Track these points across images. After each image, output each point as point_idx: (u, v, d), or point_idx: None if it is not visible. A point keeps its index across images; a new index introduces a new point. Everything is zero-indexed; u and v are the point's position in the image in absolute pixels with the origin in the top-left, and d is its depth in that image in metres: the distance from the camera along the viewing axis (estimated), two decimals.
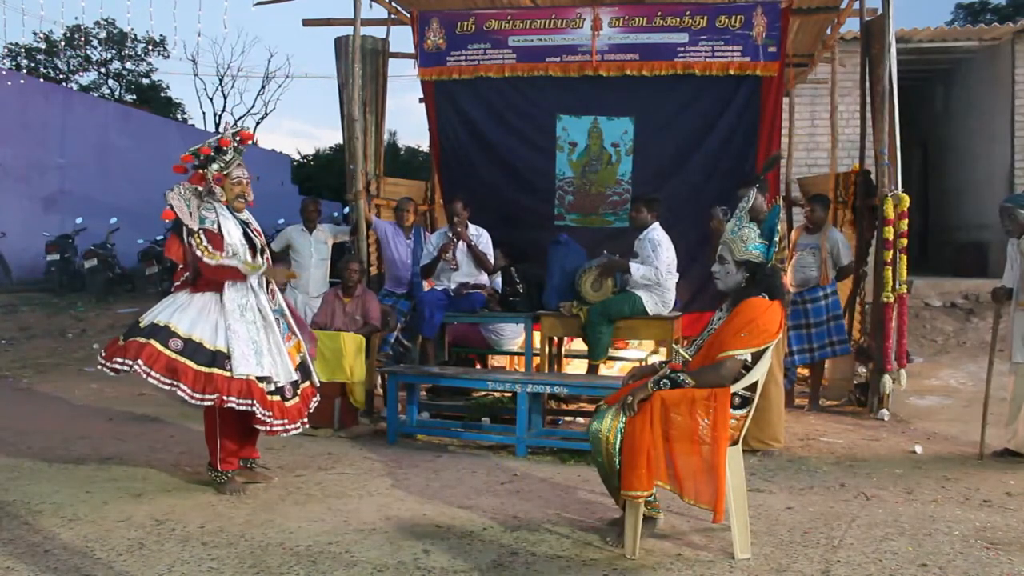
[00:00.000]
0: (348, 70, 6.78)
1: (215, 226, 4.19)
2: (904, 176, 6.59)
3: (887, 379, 6.15)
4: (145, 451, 5.09)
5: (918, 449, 5.27)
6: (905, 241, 6.20)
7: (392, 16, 7.68)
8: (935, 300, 9.71)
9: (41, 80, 19.57)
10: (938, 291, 9.82)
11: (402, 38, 41.55)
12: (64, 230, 13.41)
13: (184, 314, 4.09)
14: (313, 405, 4.42)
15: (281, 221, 14.67)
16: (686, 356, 3.60)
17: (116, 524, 3.70)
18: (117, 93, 27.48)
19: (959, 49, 12.38)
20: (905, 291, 6.25)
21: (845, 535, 3.63)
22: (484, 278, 6.62)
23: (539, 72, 6.96)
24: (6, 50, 23.33)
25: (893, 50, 6.31)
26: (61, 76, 25.45)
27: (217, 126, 30.89)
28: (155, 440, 5.39)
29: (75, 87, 24.95)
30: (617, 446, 3.37)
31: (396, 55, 8.04)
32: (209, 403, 4.00)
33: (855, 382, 6.82)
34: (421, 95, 7.54)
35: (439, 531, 3.66)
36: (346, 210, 9.62)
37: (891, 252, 6.12)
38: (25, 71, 22.67)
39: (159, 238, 12.83)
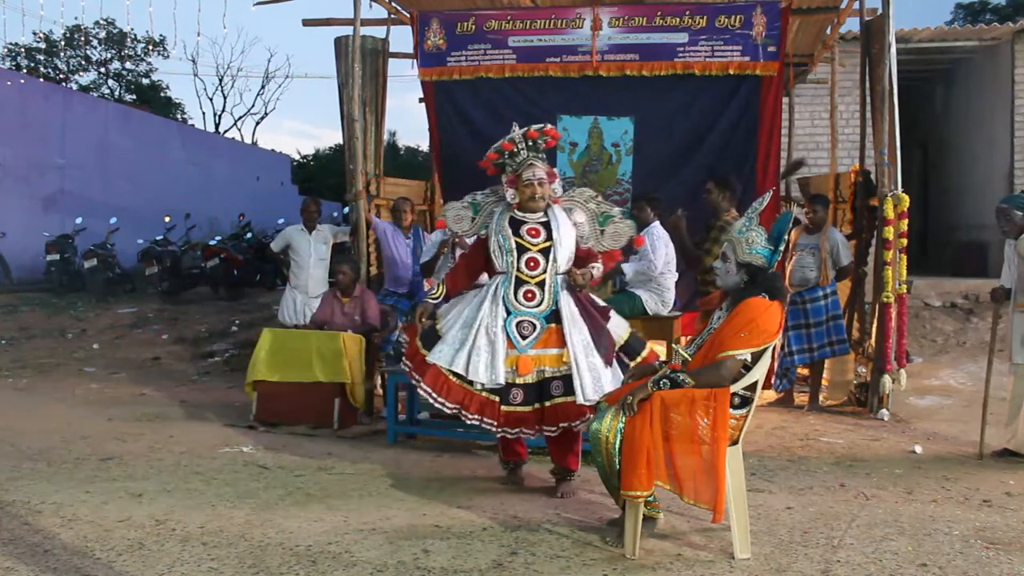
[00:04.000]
0: (348, 70, 6.78)
1: (486, 234, 4.36)
2: (904, 176, 6.59)
3: (887, 379, 6.15)
4: (145, 451, 5.09)
5: (918, 449, 5.27)
6: (905, 241, 6.20)
7: (392, 16, 7.68)
8: (935, 300, 9.71)
9: (41, 80, 19.56)
10: (938, 291, 9.81)
11: (402, 38, 41.57)
12: (64, 230, 13.39)
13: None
14: (577, 425, 4.07)
15: (281, 221, 14.67)
16: (686, 356, 3.60)
17: (116, 524, 3.70)
18: (117, 93, 27.50)
19: (959, 49, 12.38)
20: (905, 291, 6.25)
21: (845, 535, 3.63)
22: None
23: (539, 72, 6.96)
24: (6, 50, 23.34)
25: (893, 50, 6.31)
26: (61, 76, 25.45)
27: (217, 126, 30.95)
28: (155, 440, 5.39)
29: (75, 87, 24.95)
30: (617, 446, 3.37)
31: (396, 55, 8.04)
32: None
33: (855, 382, 6.82)
34: (421, 95, 7.54)
35: (439, 531, 3.66)
36: (346, 210, 9.63)
37: (891, 252, 6.12)
38: (25, 71, 22.67)
39: (159, 238, 12.83)
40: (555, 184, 4.35)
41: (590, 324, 4.14)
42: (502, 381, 4.05)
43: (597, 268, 4.32)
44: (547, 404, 4.05)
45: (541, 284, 4.18)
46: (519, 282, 4.19)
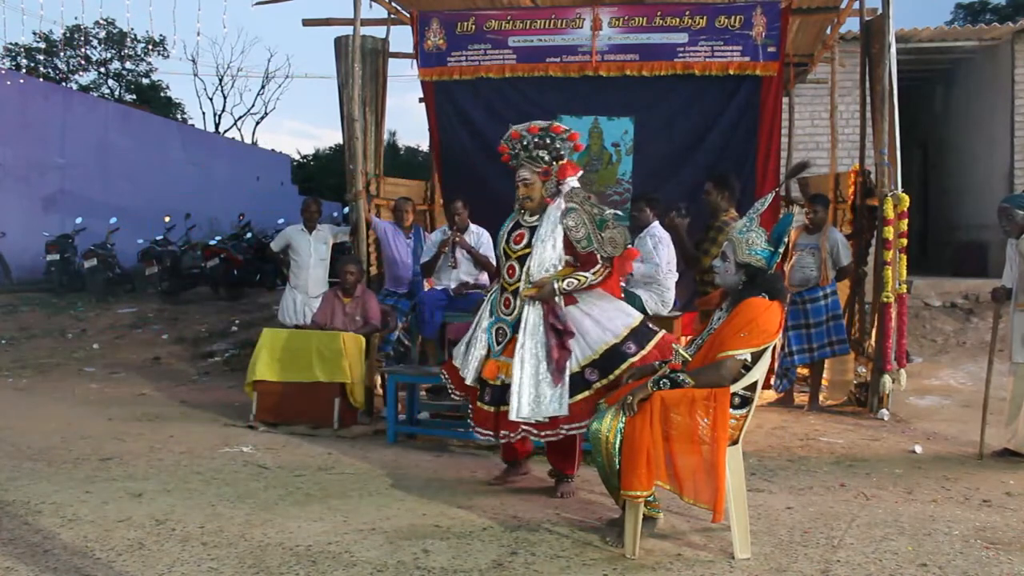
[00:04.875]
0: (348, 70, 6.78)
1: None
2: (904, 176, 6.59)
3: (887, 379, 6.15)
4: (145, 451, 5.09)
5: (918, 449, 5.27)
6: (905, 241, 6.20)
7: (392, 16, 7.68)
8: (935, 300, 9.71)
9: (41, 80, 19.56)
10: (938, 291, 9.82)
11: (402, 38, 41.54)
12: (64, 230, 13.39)
13: None
14: (512, 437, 4.03)
15: (281, 221, 14.68)
16: (686, 356, 3.59)
17: (116, 524, 3.70)
18: (117, 93, 27.50)
19: (959, 49, 12.38)
20: (905, 291, 6.26)
21: (845, 535, 3.63)
22: (484, 278, 6.62)
23: (539, 72, 6.97)
24: (6, 50, 23.33)
25: (893, 50, 6.31)
26: (61, 76, 25.45)
27: (217, 126, 30.95)
28: (155, 440, 5.39)
29: (75, 87, 24.94)
30: (617, 446, 3.37)
31: (396, 55, 8.03)
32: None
33: (855, 382, 6.82)
34: (421, 95, 7.54)
35: (439, 531, 3.66)
36: (346, 210, 9.63)
37: (891, 252, 6.12)
38: (25, 71, 22.67)
39: (159, 238, 12.84)
40: (571, 178, 4.18)
41: (549, 339, 3.97)
42: (470, 380, 4.17)
43: (578, 279, 4.04)
44: (501, 409, 4.04)
45: (516, 292, 4.10)
46: (502, 288, 4.21)
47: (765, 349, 3.39)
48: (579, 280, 4.05)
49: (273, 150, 28.44)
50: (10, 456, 4.90)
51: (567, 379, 3.92)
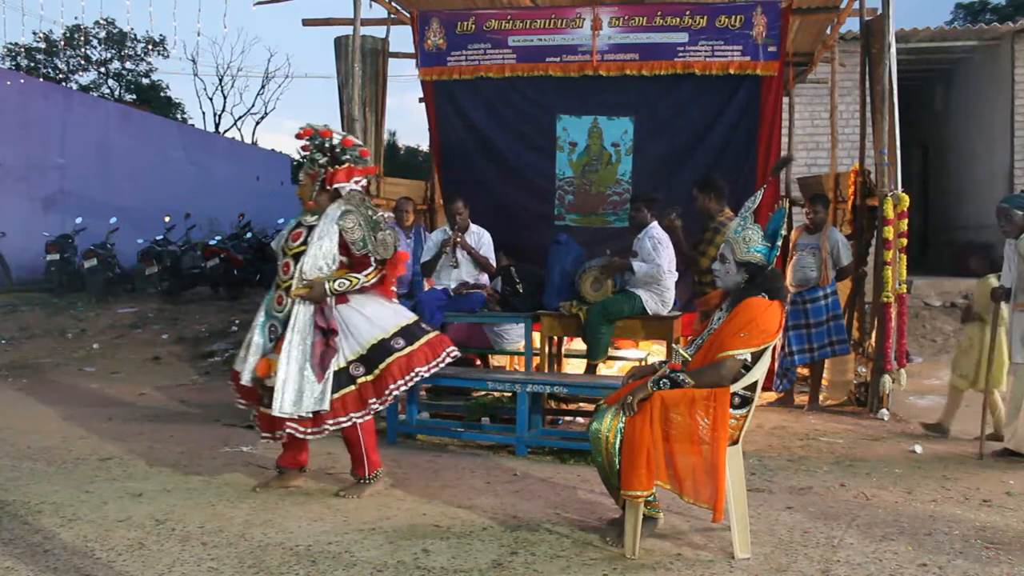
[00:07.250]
0: (348, 70, 6.78)
1: None
2: (904, 176, 6.59)
3: (887, 379, 6.16)
4: (145, 451, 5.09)
5: (918, 449, 5.27)
6: (905, 241, 6.20)
7: (392, 16, 7.68)
8: (935, 300, 9.71)
9: (41, 80, 19.55)
10: (938, 291, 9.82)
11: (402, 38, 41.55)
12: (64, 230, 13.40)
13: None
14: (279, 435, 4.18)
15: (281, 221, 14.68)
16: (686, 356, 3.59)
17: (116, 524, 3.70)
18: (117, 93, 27.50)
19: (959, 49, 12.39)
20: (905, 291, 6.26)
21: (845, 535, 3.63)
22: (484, 278, 6.62)
23: (539, 72, 6.96)
24: (6, 50, 23.35)
25: (893, 50, 6.31)
26: (61, 76, 25.45)
27: (217, 126, 30.96)
28: (155, 440, 5.39)
29: (75, 87, 24.94)
30: (617, 446, 3.37)
31: (396, 55, 8.04)
32: None
33: (855, 382, 6.82)
34: (421, 95, 7.54)
35: (439, 531, 3.66)
36: None
37: (891, 252, 6.12)
38: (25, 71, 22.66)
39: (159, 238, 12.85)
40: (345, 183, 4.19)
41: (317, 336, 4.04)
42: (245, 379, 4.20)
43: (350, 280, 4.11)
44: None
45: (288, 289, 4.15)
46: (276, 286, 4.26)
47: (765, 349, 3.39)
48: (351, 281, 4.12)
49: (273, 150, 28.46)
50: (10, 456, 4.90)
51: (330, 376, 4.01)
